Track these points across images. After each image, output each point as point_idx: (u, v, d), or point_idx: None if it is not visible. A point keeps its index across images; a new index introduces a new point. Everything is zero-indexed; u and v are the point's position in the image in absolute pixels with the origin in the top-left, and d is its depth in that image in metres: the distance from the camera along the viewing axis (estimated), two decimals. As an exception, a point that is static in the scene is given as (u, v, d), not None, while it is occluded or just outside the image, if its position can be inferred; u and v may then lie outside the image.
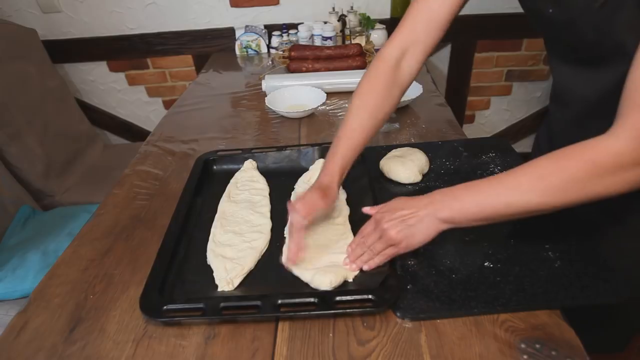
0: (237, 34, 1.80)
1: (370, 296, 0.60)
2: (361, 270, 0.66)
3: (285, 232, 0.75)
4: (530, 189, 0.55)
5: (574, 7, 0.60)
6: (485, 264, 0.66)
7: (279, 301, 0.60)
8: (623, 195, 0.53)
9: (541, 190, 0.54)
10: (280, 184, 0.88)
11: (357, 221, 0.76)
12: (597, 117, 0.65)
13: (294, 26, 1.76)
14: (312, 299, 0.60)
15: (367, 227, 0.67)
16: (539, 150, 0.91)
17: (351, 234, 0.73)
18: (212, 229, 0.76)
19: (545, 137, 0.89)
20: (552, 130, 0.83)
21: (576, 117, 0.73)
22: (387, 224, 0.62)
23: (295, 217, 0.67)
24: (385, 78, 0.75)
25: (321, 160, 0.91)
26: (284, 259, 0.68)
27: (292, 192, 0.85)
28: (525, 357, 0.53)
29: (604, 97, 0.65)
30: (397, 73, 0.76)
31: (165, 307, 0.60)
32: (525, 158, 0.89)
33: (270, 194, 0.85)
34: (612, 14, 0.56)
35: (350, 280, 0.65)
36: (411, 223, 0.61)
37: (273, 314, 0.60)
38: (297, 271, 0.66)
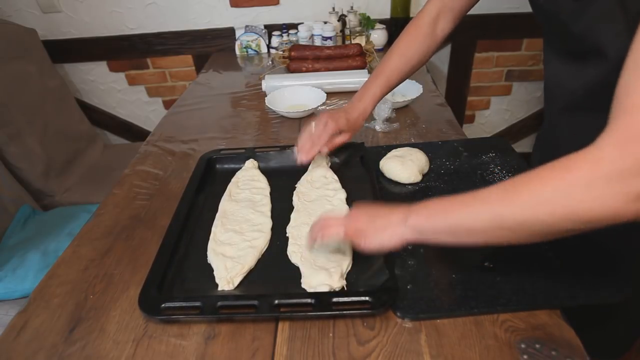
0: (237, 34, 1.80)
1: (367, 298, 0.59)
2: (359, 271, 0.66)
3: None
4: (498, 200, 0.49)
5: None
6: (485, 264, 0.66)
7: (277, 301, 0.60)
8: None
9: (508, 201, 0.47)
10: (281, 183, 0.88)
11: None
12: (585, 109, 0.65)
13: (294, 26, 1.76)
14: (309, 300, 0.60)
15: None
16: (538, 149, 0.91)
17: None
18: (213, 228, 0.76)
19: (543, 135, 0.89)
20: (547, 126, 0.84)
21: (565, 111, 0.74)
22: (357, 211, 0.63)
23: (324, 149, 0.83)
24: (421, 30, 0.85)
25: (320, 157, 0.91)
26: (296, 151, 0.83)
27: (294, 192, 0.85)
28: (525, 357, 0.53)
29: (590, 91, 0.65)
30: (433, 27, 0.85)
31: (163, 305, 0.60)
32: (525, 158, 0.90)
33: (270, 194, 0.86)
34: (587, 7, 0.56)
35: (344, 282, 0.64)
36: (380, 222, 0.59)
37: (270, 314, 0.60)
38: (300, 265, 0.67)
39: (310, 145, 0.82)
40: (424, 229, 0.55)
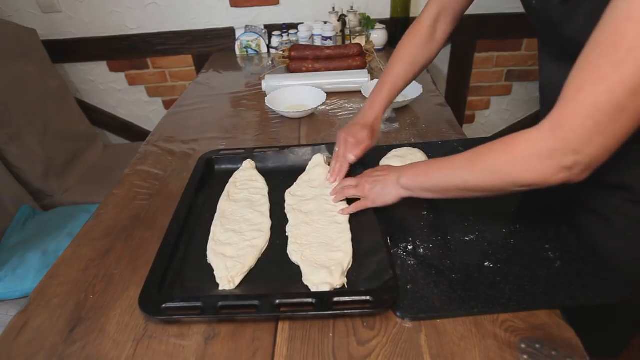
0: (237, 34, 1.80)
1: (368, 297, 0.59)
2: (360, 269, 0.67)
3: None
4: (462, 167, 0.61)
5: (548, 2, 0.61)
6: (485, 264, 0.66)
7: (277, 301, 0.60)
8: (604, 194, 0.53)
9: (470, 168, 0.60)
10: (279, 183, 0.88)
11: (356, 220, 0.76)
12: None
13: (294, 26, 1.76)
14: (310, 300, 0.60)
15: (355, 177, 0.80)
16: None
17: (349, 233, 0.73)
18: (212, 228, 0.76)
19: None
20: None
21: None
22: (366, 178, 0.77)
23: (349, 156, 0.83)
24: (422, 34, 0.87)
25: (318, 155, 0.92)
26: (328, 176, 0.85)
27: (287, 192, 0.85)
28: (525, 357, 0.53)
29: None
30: (433, 31, 0.87)
31: (163, 306, 0.60)
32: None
33: (269, 193, 0.86)
34: (576, 10, 0.57)
35: (345, 280, 0.64)
36: (381, 184, 0.73)
37: (271, 314, 0.60)
38: (301, 264, 0.67)
39: (339, 166, 0.85)
40: (412, 188, 0.69)
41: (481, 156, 0.59)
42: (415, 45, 0.88)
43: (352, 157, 0.83)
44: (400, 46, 0.89)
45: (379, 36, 1.73)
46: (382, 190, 0.73)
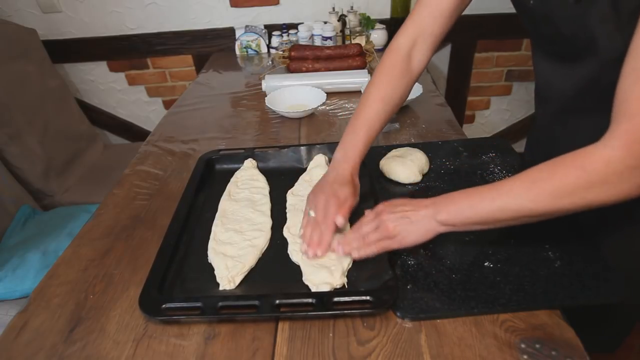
0: (237, 34, 1.80)
1: (368, 297, 0.59)
2: (360, 269, 0.66)
3: (288, 227, 0.76)
4: (522, 194, 0.55)
5: (551, 0, 0.61)
6: (485, 264, 0.66)
7: (277, 301, 0.60)
8: None
9: (533, 195, 0.55)
10: (280, 183, 0.88)
11: (356, 221, 0.76)
12: (576, 111, 0.65)
13: (294, 26, 1.76)
14: (310, 300, 0.60)
15: (367, 217, 0.68)
16: (529, 149, 0.91)
17: (350, 233, 0.73)
18: (213, 228, 0.76)
19: (534, 134, 0.90)
20: (538, 126, 0.84)
21: (556, 112, 0.74)
22: (386, 216, 0.64)
23: (339, 219, 0.69)
24: (397, 68, 0.78)
25: (320, 156, 0.92)
26: (304, 249, 0.69)
27: (289, 192, 0.85)
28: (525, 357, 0.53)
29: (580, 92, 0.65)
30: (408, 63, 0.79)
31: (164, 306, 0.60)
32: (523, 158, 0.90)
33: (270, 193, 0.86)
34: (586, 9, 0.57)
35: (345, 280, 0.64)
36: (410, 220, 0.63)
37: (271, 314, 0.60)
38: (301, 264, 0.67)
39: (318, 236, 0.69)
40: (455, 223, 0.61)
41: (542, 181, 0.55)
42: (390, 82, 0.78)
43: (341, 220, 0.69)
44: (375, 83, 0.79)
45: (379, 36, 1.73)
46: (411, 227, 0.62)
